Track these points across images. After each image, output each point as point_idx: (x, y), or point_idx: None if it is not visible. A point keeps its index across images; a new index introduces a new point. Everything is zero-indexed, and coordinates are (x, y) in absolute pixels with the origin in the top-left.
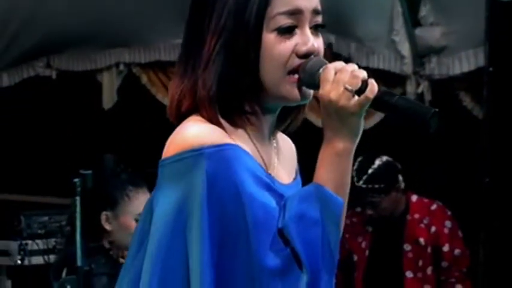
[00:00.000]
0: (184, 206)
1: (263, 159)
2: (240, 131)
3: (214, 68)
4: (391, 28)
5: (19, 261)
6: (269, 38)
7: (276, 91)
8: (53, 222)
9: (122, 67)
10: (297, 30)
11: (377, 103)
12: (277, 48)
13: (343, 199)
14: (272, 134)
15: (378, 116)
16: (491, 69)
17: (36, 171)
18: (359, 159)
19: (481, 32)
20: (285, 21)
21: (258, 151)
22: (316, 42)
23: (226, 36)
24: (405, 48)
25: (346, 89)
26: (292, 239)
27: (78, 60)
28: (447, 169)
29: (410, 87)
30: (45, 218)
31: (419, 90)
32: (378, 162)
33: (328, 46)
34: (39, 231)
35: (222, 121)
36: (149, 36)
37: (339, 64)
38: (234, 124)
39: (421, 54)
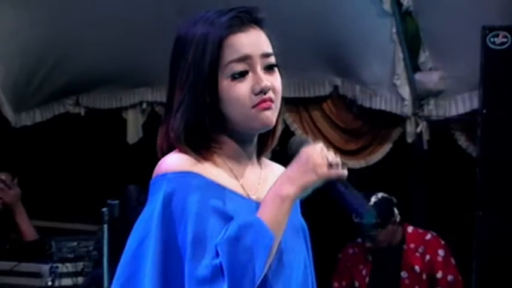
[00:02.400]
0: (146, 220)
1: (239, 181)
2: (213, 160)
3: (180, 114)
4: (392, 72)
5: (50, 283)
6: (225, 83)
7: (246, 125)
8: (81, 247)
9: (145, 105)
10: (250, 73)
11: (331, 187)
12: (234, 92)
13: (276, 235)
14: (255, 159)
15: (380, 154)
16: (484, 111)
17: (66, 200)
18: None
19: (476, 77)
20: (237, 67)
21: (235, 176)
22: (270, 81)
23: (188, 87)
24: (405, 91)
25: (327, 158)
26: (222, 256)
27: (105, 98)
28: (444, 202)
29: (409, 127)
30: (74, 243)
31: (418, 130)
32: (373, 199)
33: (334, 88)
34: (69, 256)
35: (194, 155)
36: None
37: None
38: (203, 156)
39: (420, 97)
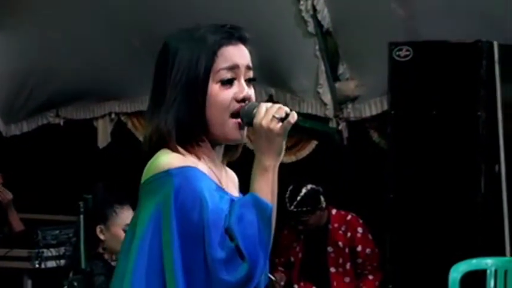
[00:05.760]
0: (158, 213)
1: (217, 177)
2: (196, 157)
3: (173, 111)
4: (316, 82)
5: (37, 265)
6: (214, 88)
7: (221, 131)
8: (62, 235)
9: (113, 116)
10: (235, 82)
11: (296, 128)
12: (221, 96)
13: (272, 203)
14: (222, 162)
15: (308, 150)
16: (393, 112)
17: (49, 196)
18: (289, 188)
19: (384, 84)
20: (226, 74)
21: (213, 171)
22: (250, 91)
23: (181, 87)
24: (327, 98)
25: (274, 116)
26: (235, 237)
27: (80, 110)
28: (361, 187)
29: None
30: (57, 232)
31: (339, 128)
32: (304, 190)
33: (269, 97)
34: (52, 242)
35: (182, 150)
36: (134, 91)
37: (269, 103)
38: (190, 152)
39: (340, 102)
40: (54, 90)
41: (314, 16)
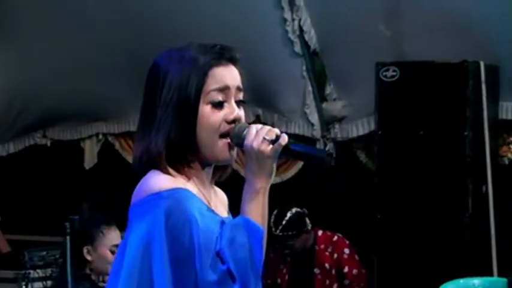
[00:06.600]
0: (149, 236)
1: (206, 199)
2: (186, 178)
3: (163, 132)
4: (304, 103)
5: (24, 287)
6: (205, 109)
7: (211, 152)
8: (49, 256)
9: (100, 136)
10: (226, 104)
11: (286, 150)
12: (212, 117)
13: (263, 226)
14: (210, 182)
15: (294, 170)
16: (380, 132)
17: (36, 217)
18: (274, 212)
19: (371, 104)
20: (217, 96)
21: (202, 193)
22: (240, 112)
23: (172, 108)
24: (315, 118)
25: (264, 138)
26: (226, 260)
27: (67, 131)
28: (349, 208)
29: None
30: (44, 253)
31: (326, 149)
32: (289, 214)
33: (256, 117)
34: (39, 263)
35: (172, 171)
36: (121, 112)
37: (259, 125)
38: (180, 173)
39: (327, 122)
40: (41, 111)
41: (301, 37)
